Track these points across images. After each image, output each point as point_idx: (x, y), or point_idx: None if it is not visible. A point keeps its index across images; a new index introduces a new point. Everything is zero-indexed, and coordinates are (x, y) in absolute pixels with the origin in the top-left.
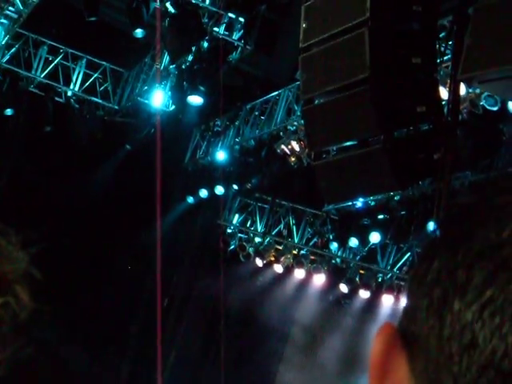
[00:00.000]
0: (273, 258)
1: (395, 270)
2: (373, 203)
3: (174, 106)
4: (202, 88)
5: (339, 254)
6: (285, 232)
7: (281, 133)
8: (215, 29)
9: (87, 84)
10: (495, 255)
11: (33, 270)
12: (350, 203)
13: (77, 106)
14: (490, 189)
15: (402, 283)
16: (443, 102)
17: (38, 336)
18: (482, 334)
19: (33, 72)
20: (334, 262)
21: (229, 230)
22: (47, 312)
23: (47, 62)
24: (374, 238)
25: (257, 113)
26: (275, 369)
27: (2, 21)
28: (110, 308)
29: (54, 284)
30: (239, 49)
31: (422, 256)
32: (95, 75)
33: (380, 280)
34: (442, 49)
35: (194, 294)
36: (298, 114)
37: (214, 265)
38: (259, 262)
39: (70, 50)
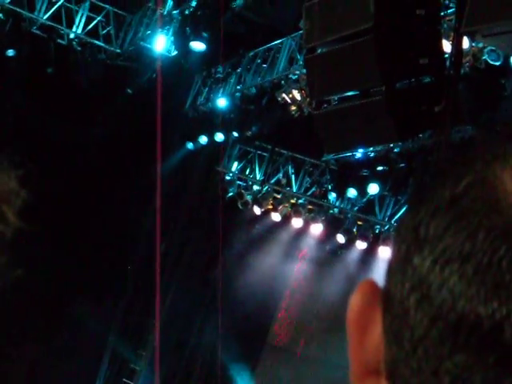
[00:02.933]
0: (271, 207)
1: (393, 221)
2: (372, 154)
3: (176, 52)
4: (204, 34)
5: (337, 204)
6: (283, 181)
7: (282, 81)
8: None
9: (90, 27)
10: (450, 209)
11: (21, 190)
12: (350, 154)
13: (79, 48)
14: (458, 148)
15: None
16: (446, 55)
17: (31, 265)
18: (433, 287)
19: (36, 13)
20: (331, 212)
21: (227, 177)
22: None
23: (50, 4)
24: (373, 189)
25: (259, 61)
26: (272, 313)
27: None
28: (107, 248)
29: (55, 220)
30: None
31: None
32: (98, 18)
33: (377, 231)
34: (447, 2)
35: (192, 240)
36: (301, 62)
37: (212, 211)
38: (257, 210)
39: None
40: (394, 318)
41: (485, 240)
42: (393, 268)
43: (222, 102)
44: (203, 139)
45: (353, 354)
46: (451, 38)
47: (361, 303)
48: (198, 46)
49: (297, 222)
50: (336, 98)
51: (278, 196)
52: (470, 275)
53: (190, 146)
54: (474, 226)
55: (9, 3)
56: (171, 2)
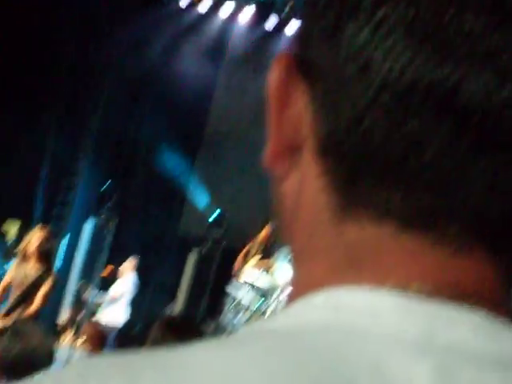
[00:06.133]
0: None
1: None
2: None
3: None
4: None
5: None
6: None
7: None
8: None
9: None
10: None
11: None
12: None
13: None
14: None
15: None
16: None
17: None
18: (376, 56)
19: None
20: None
21: None
22: None
23: None
24: None
25: None
26: (206, 106)
27: None
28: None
29: None
30: None
31: None
32: None
33: None
34: None
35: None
36: None
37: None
38: (182, 3)
39: None
40: (328, 89)
41: (431, 2)
42: (315, 36)
43: None
44: None
45: (271, 130)
46: None
47: (281, 74)
48: None
49: (227, 8)
50: None
51: None
52: (419, 40)
53: None
54: None
55: None
56: None
